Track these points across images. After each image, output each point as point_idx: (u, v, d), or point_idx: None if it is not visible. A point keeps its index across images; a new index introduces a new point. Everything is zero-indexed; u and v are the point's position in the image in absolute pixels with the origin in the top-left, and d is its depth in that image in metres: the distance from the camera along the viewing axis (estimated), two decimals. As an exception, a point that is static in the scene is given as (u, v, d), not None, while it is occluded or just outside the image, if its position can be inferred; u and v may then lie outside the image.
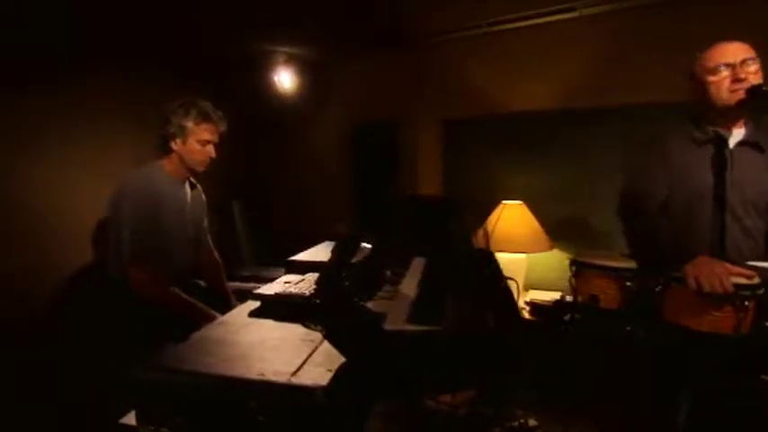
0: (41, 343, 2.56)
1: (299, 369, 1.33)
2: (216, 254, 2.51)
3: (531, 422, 2.53)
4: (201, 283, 2.41)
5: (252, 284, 2.93)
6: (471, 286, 1.80)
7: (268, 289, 1.90)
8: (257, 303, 1.88)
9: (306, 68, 3.92)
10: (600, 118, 3.21)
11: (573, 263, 2.42)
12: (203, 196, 2.43)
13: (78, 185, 2.84)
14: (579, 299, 2.24)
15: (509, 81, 3.52)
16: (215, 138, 2.19)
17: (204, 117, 2.13)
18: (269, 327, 1.68)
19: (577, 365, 2.49)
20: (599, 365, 2.31)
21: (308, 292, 1.83)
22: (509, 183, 3.53)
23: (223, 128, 2.20)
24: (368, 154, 3.96)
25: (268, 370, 1.31)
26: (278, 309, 1.79)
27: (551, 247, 3.26)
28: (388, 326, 1.44)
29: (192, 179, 2.30)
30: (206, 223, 2.45)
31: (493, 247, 2.95)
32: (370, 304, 1.82)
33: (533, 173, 3.47)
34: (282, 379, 1.26)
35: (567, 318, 2.60)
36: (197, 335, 1.59)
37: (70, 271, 2.77)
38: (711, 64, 1.79)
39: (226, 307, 2.30)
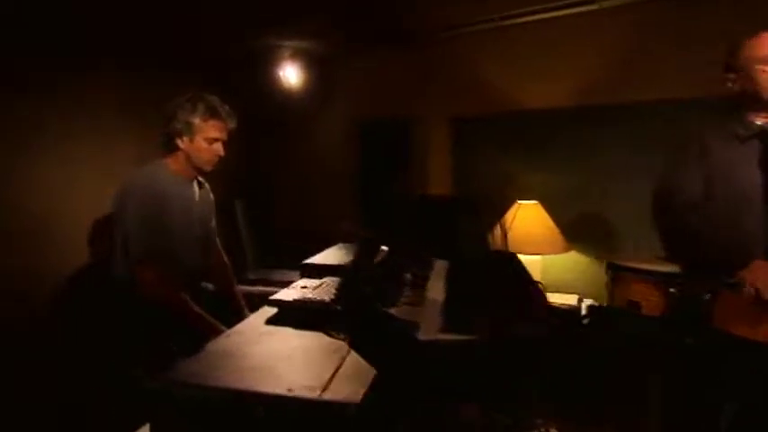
0: (40, 344, 2.49)
1: (328, 383, 1.24)
2: (225, 256, 2.41)
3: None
4: (210, 286, 2.31)
5: (259, 288, 2.85)
6: (501, 291, 1.72)
7: (285, 295, 1.82)
8: (273, 310, 1.79)
9: (310, 64, 3.83)
10: (617, 115, 3.14)
11: (610, 266, 2.31)
12: (211, 195, 2.33)
13: (78, 184, 2.76)
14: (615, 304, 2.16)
15: (521, 77, 3.44)
16: (223, 135, 2.09)
17: (212, 113, 2.03)
18: (289, 336, 1.60)
19: (598, 371, 2.41)
20: (622, 372, 2.23)
21: (328, 298, 1.74)
22: (522, 182, 3.45)
23: (232, 124, 2.10)
24: (374, 152, 3.88)
25: (296, 384, 1.23)
26: (297, 316, 1.71)
27: (568, 249, 3.19)
28: (422, 335, 1.35)
29: (199, 178, 2.20)
30: (214, 224, 2.35)
31: (508, 248, 2.87)
32: (393, 310, 1.74)
33: (547, 172, 3.40)
34: (313, 395, 1.18)
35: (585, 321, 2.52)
36: (213, 345, 1.50)
37: (70, 271, 2.69)
38: (761, 53, 1.71)
39: (236, 313, 2.21)
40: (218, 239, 2.38)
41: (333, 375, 1.29)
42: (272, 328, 1.66)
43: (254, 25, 3.12)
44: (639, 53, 3.07)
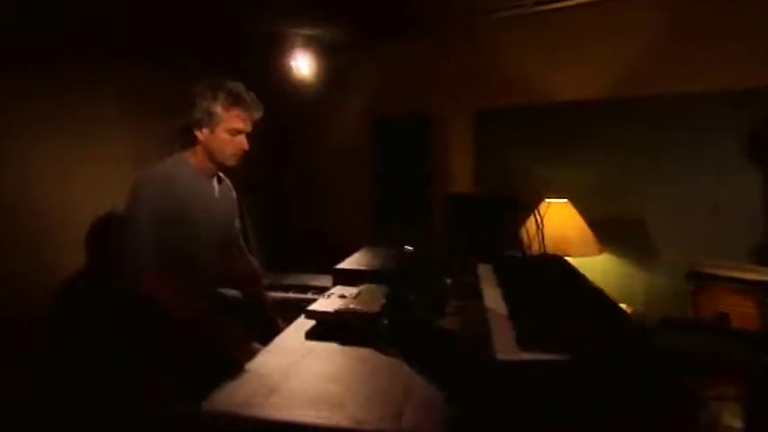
0: (30, 356, 2.30)
1: (401, 412, 1.08)
2: (254, 261, 2.22)
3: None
4: (234, 293, 2.13)
5: (279, 294, 2.68)
6: (575, 301, 1.56)
7: (324, 305, 1.65)
8: (309, 322, 1.62)
9: (323, 54, 3.65)
10: (653, 108, 3.01)
11: (694, 275, 2.12)
12: (233, 193, 2.15)
13: (71, 181, 2.56)
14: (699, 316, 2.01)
15: (549, 67, 3.30)
16: (247, 126, 1.91)
17: (235, 101, 1.85)
18: (335, 353, 1.44)
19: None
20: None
21: (375, 309, 1.57)
22: (550, 179, 3.31)
23: (258, 114, 1.92)
24: (391, 148, 3.70)
25: (365, 415, 1.06)
26: (339, 329, 1.54)
27: (601, 251, 3.05)
28: (501, 354, 1.19)
29: (220, 173, 2.02)
30: (238, 224, 2.17)
31: (545, 249, 2.72)
32: (441, 322, 1.58)
33: (578, 169, 3.26)
34: (391, 427, 1.01)
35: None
36: (254, 365, 1.33)
37: (64, 275, 2.51)
38: None
39: (268, 324, 2.04)
40: (242, 241, 2.20)
41: (403, 402, 1.12)
42: (314, 344, 1.49)
43: (263, 9, 2.94)
44: (677, 42, 2.94)
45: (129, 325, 1.96)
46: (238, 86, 1.88)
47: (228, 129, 1.85)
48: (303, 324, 1.63)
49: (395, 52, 3.68)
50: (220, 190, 2.03)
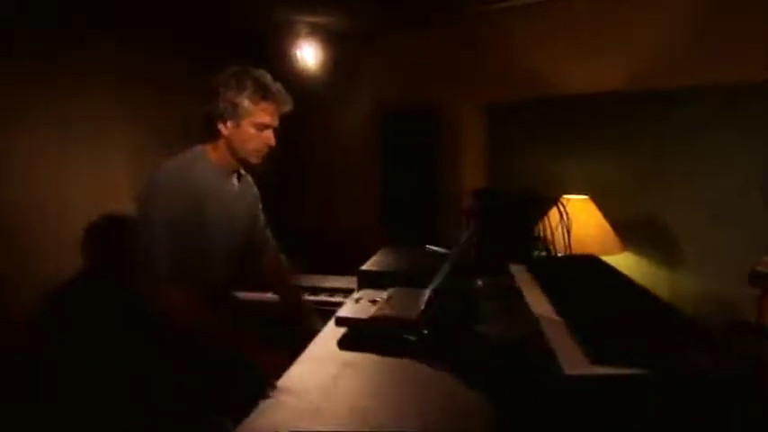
0: (24, 359, 2.19)
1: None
2: (283, 258, 2.09)
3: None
4: (252, 295, 2.00)
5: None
6: (627, 304, 1.45)
7: (355, 311, 1.53)
8: (335, 328, 1.49)
9: (330, 44, 3.52)
10: (676, 100, 2.90)
11: (757, 274, 1.95)
12: (255, 189, 2.01)
13: (68, 175, 2.45)
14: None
15: (566, 58, 3.18)
16: (275, 121, 1.77)
17: (264, 94, 1.71)
18: (373, 365, 1.32)
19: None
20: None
21: (412, 316, 1.45)
22: (568, 175, 3.20)
23: (287, 107, 1.78)
24: (401, 143, 3.58)
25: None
26: (374, 338, 1.41)
27: (623, 250, 2.94)
28: (570, 369, 1.07)
29: (240, 170, 1.87)
30: (263, 220, 2.03)
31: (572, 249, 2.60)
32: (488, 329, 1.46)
33: (598, 164, 3.16)
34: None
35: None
36: (288, 383, 1.19)
37: (62, 276, 2.40)
38: None
39: (302, 327, 1.91)
40: (271, 238, 2.06)
41: (454, 420, 1.00)
42: (348, 354, 1.37)
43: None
44: (703, 31, 2.83)
45: (140, 334, 1.83)
46: (266, 76, 1.74)
47: (255, 123, 1.71)
48: (333, 331, 1.50)
49: (404, 43, 3.56)
50: (241, 187, 1.89)
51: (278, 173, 3.85)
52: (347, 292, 2.55)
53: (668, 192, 2.97)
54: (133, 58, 2.80)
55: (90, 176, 2.56)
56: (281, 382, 1.19)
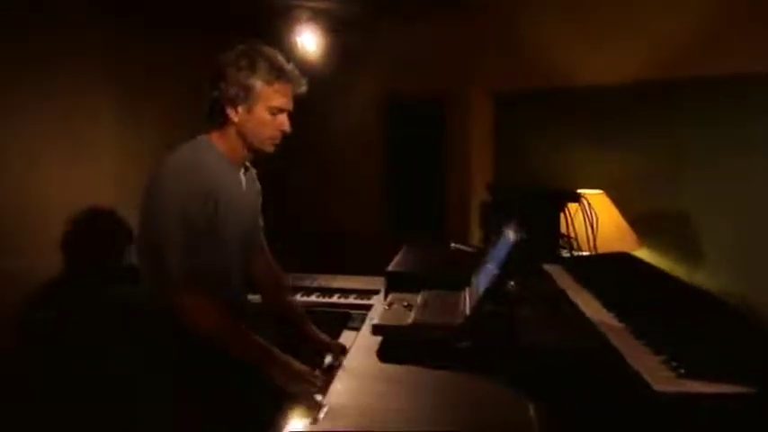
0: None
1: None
2: (275, 262, 1.94)
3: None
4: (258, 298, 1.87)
5: (302, 298, 2.40)
6: (694, 310, 1.34)
7: (392, 317, 1.40)
8: (368, 337, 1.35)
9: (331, 30, 3.36)
10: (700, 89, 2.79)
11: None
12: (258, 184, 1.86)
13: (45, 162, 2.29)
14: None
15: (581, 46, 3.06)
16: (290, 104, 1.62)
17: (279, 74, 1.56)
18: (421, 379, 1.19)
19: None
20: None
21: (456, 322, 1.32)
22: (582, 169, 3.10)
23: (302, 89, 1.63)
24: (406, 134, 3.45)
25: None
26: (416, 346, 1.28)
27: (639, 246, 2.86)
28: (659, 386, 0.96)
29: (247, 162, 1.72)
30: (262, 220, 1.88)
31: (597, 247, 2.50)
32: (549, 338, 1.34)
33: (612, 157, 3.06)
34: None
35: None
36: (333, 404, 1.05)
37: (42, 276, 2.23)
38: None
39: (296, 335, 1.77)
40: (264, 240, 1.91)
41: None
42: (393, 368, 1.23)
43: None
44: (723, 16, 2.73)
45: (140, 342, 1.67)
46: (278, 55, 1.59)
47: (269, 107, 1.56)
48: (368, 340, 1.37)
49: (408, 30, 3.40)
50: (246, 181, 1.73)
51: (273, 166, 3.69)
52: (360, 294, 2.42)
53: (687, 186, 2.88)
54: (117, 43, 2.64)
55: (71, 171, 2.40)
56: (326, 402, 1.05)
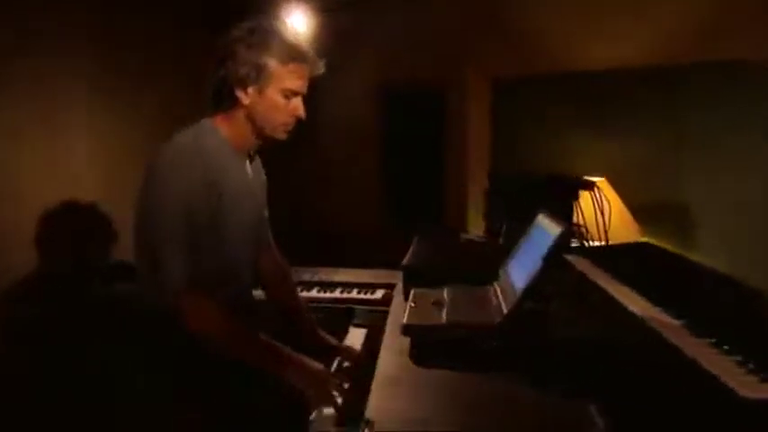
0: None
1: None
2: (282, 258, 1.81)
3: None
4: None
5: (303, 294, 2.26)
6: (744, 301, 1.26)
7: (419, 316, 1.29)
8: (396, 337, 1.25)
9: (323, 12, 3.20)
10: (702, 75, 2.74)
11: None
12: (264, 174, 1.71)
13: (16, 163, 2.11)
14: None
15: (580, 31, 3.01)
16: (305, 87, 1.47)
17: (294, 54, 1.41)
18: (466, 385, 1.08)
19: None
20: None
21: (494, 320, 1.22)
22: (582, 157, 3.04)
23: (317, 71, 1.48)
24: (402, 121, 3.33)
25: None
26: (451, 347, 1.17)
27: (640, 235, 2.80)
28: (745, 392, 0.87)
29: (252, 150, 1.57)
30: (267, 212, 1.74)
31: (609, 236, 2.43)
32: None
33: (613, 144, 3.02)
34: None
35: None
36: (379, 421, 0.93)
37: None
38: None
39: (303, 333, 1.65)
40: (270, 232, 1.77)
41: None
42: (433, 374, 1.12)
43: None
44: (728, 3, 2.70)
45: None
46: (291, 32, 1.45)
47: (283, 89, 1.42)
48: (395, 341, 1.25)
49: (406, 11, 3.28)
50: (252, 171, 1.59)
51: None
52: (362, 288, 2.30)
53: (687, 173, 2.85)
54: (91, 24, 2.44)
55: (45, 163, 2.22)
56: (369, 417, 0.92)
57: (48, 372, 1.97)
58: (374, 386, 1.05)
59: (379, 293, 2.22)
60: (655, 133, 2.91)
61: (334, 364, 1.56)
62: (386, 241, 2.83)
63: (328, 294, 2.24)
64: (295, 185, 3.58)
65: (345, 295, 2.24)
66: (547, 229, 1.30)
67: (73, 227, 2.24)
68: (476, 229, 3.14)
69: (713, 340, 1.06)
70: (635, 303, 1.32)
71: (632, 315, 1.24)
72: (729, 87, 2.70)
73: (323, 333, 1.68)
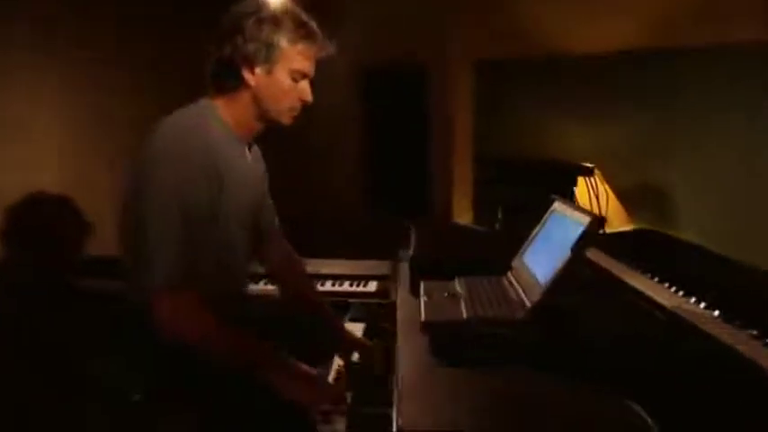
0: None
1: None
2: (291, 248, 1.71)
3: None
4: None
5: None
6: None
7: (438, 312, 1.23)
8: (413, 334, 1.18)
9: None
10: (691, 60, 2.71)
11: None
12: (263, 162, 1.60)
13: None
14: None
15: (570, 13, 2.95)
16: (312, 70, 1.38)
17: (305, 33, 1.31)
18: (480, 378, 1.00)
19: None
20: None
21: (517, 316, 1.16)
22: (569, 142, 3.01)
23: (327, 53, 1.39)
24: (385, 104, 3.24)
25: None
26: (476, 344, 1.12)
27: (629, 223, 2.81)
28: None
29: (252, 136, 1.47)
30: (270, 199, 1.64)
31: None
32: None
33: (600, 131, 2.99)
34: None
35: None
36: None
37: None
38: None
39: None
40: (277, 221, 1.67)
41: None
42: (461, 374, 1.05)
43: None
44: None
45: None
46: (300, 10, 1.34)
47: (291, 70, 1.31)
48: (413, 338, 1.18)
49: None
50: (252, 158, 1.49)
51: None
52: (354, 280, 2.23)
53: (676, 160, 2.83)
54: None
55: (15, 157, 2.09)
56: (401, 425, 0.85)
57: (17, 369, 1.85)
58: (399, 389, 0.97)
59: (372, 285, 2.14)
60: (641, 118, 2.88)
61: (332, 369, 1.51)
62: (369, 230, 2.76)
63: (319, 288, 2.15)
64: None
65: (338, 288, 2.16)
66: (569, 216, 1.24)
67: (40, 221, 2.10)
68: (461, 217, 3.09)
69: (754, 332, 1.03)
70: (657, 292, 1.28)
71: (661, 305, 1.20)
72: (718, 71, 2.69)
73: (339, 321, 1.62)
